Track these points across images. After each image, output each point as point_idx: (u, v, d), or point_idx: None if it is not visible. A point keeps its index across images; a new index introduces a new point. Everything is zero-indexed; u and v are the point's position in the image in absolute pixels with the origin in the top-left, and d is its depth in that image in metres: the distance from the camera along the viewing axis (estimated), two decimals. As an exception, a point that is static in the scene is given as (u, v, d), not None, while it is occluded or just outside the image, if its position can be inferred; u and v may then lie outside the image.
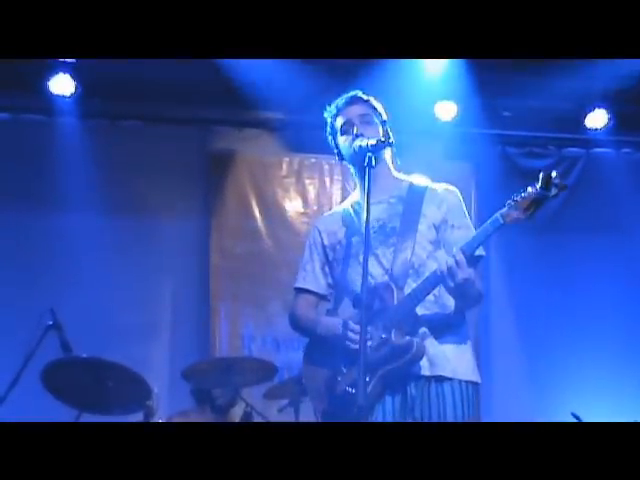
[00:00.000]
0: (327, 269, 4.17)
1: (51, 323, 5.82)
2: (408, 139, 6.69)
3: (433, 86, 7.13)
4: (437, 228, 4.04)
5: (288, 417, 5.87)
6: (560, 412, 6.58)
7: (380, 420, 3.84)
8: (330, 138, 4.24)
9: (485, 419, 7.42)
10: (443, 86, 7.14)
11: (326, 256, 4.17)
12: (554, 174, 3.66)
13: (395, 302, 3.82)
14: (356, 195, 4.22)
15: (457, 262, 3.68)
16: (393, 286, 3.86)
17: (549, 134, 7.94)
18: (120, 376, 5.74)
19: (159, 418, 5.97)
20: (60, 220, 7.19)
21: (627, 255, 7.75)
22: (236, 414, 6.31)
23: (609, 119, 7.58)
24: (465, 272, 3.69)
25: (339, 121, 4.14)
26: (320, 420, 3.95)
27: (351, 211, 4.17)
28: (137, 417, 5.90)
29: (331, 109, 4.20)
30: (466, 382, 3.92)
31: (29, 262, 7.12)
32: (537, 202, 3.68)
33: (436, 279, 3.78)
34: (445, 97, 7.39)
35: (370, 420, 3.82)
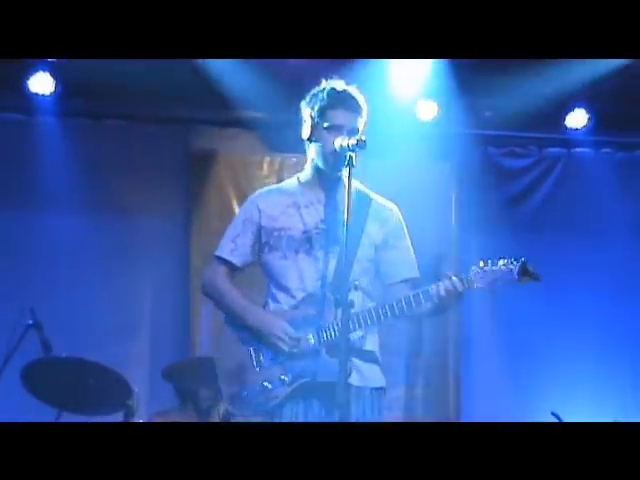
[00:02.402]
0: (257, 248, 4.16)
1: (31, 322, 5.85)
2: (389, 139, 6.73)
3: (414, 85, 7.12)
4: (377, 248, 4.12)
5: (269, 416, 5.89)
6: (540, 412, 6.64)
7: (302, 419, 3.95)
8: (308, 114, 4.14)
9: (467, 419, 7.48)
10: (424, 85, 7.12)
11: (260, 236, 4.15)
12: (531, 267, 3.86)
13: (334, 316, 3.86)
14: (303, 177, 4.22)
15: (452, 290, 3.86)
16: (332, 299, 3.89)
17: (530, 134, 7.95)
18: (100, 375, 5.78)
19: (140, 417, 6.00)
20: (39, 219, 7.18)
21: (607, 255, 7.77)
22: (217, 413, 6.32)
23: (589, 119, 7.59)
24: (449, 301, 3.89)
25: (328, 117, 4.05)
26: (226, 403, 4.08)
27: (299, 200, 4.16)
28: (117, 416, 5.91)
29: (328, 96, 4.09)
30: (378, 388, 4.08)
31: (9, 261, 7.08)
32: (504, 282, 3.86)
33: (409, 305, 3.92)
34: (426, 96, 7.34)
35: (289, 418, 3.96)
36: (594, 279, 7.76)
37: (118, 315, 7.21)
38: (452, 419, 7.48)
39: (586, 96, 7.37)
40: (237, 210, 7.38)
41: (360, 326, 3.93)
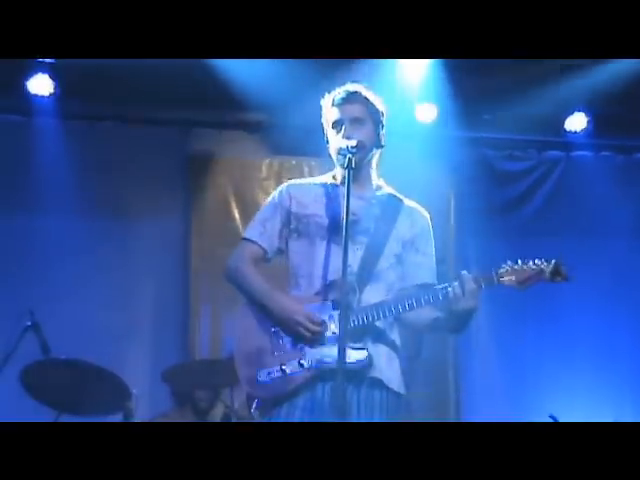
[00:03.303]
0: (285, 234, 4.13)
1: (30, 324, 5.85)
2: (388, 140, 6.74)
3: (414, 88, 7.15)
4: (404, 245, 4.09)
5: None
6: (539, 412, 6.65)
7: (317, 406, 3.87)
8: (323, 125, 4.18)
9: (466, 419, 7.49)
10: (423, 88, 7.15)
11: (289, 222, 4.12)
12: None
13: (356, 303, 3.84)
14: (336, 176, 4.19)
15: (465, 291, 3.77)
16: (356, 287, 3.87)
17: (529, 137, 7.99)
18: (99, 377, 5.78)
19: (138, 419, 6.00)
20: (39, 221, 7.18)
21: (606, 257, 7.80)
22: (216, 415, 6.34)
23: (588, 122, 7.65)
24: (469, 302, 3.79)
25: (332, 115, 4.09)
26: (243, 385, 3.96)
27: (331, 192, 4.15)
28: (116, 418, 5.93)
29: (328, 100, 4.15)
30: (394, 392, 3.99)
31: (7, 263, 7.10)
32: (536, 280, 3.81)
33: (428, 300, 3.85)
34: (425, 99, 7.39)
35: (304, 403, 3.88)
36: (593, 281, 7.69)
37: (117, 317, 7.19)
38: (452, 420, 7.50)
39: (585, 99, 7.39)
40: (236, 212, 7.51)
41: (378, 318, 3.90)
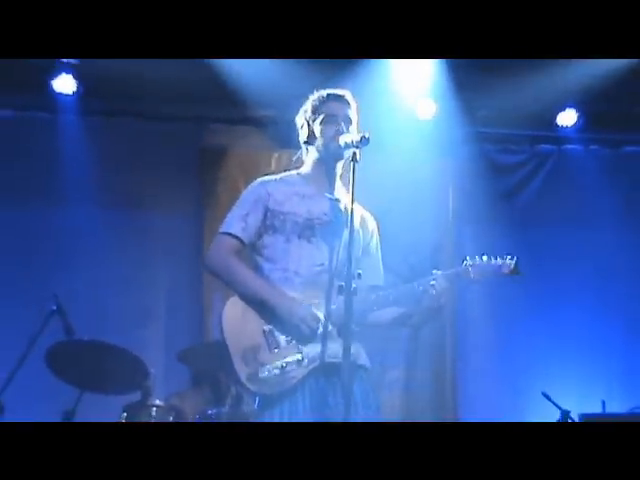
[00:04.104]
0: (261, 230, 4.20)
1: (55, 308, 6.03)
2: (390, 136, 6.94)
3: (414, 86, 7.29)
4: (362, 250, 4.29)
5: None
6: (532, 396, 6.86)
7: (317, 400, 4.00)
8: (303, 119, 4.35)
9: (463, 400, 7.68)
10: (424, 85, 7.29)
11: (265, 218, 4.20)
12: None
13: (342, 302, 3.76)
14: (304, 172, 4.36)
15: (438, 290, 4.03)
16: (337, 285, 3.88)
17: (523, 132, 8.12)
18: (119, 357, 5.98)
19: (156, 397, 6.17)
20: (62, 213, 7.30)
21: (595, 249, 7.92)
22: (228, 397, 6.41)
23: (578, 117, 7.81)
24: (443, 299, 4.06)
25: (325, 110, 4.26)
26: (244, 380, 3.98)
27: (301, 190, 4.28)
28: (135, 396, 6.13)
29: (319, 96, 4.32)
30: (370, 370, 4.23)
31: (34, 251, 7.25)
32: (494, 276, 4.10)
33: (412, 296, 4.08)
34: (426, 96, 7.51)
35: (304, 398, 4.00)
36: (584, 273, 7.92)
37: (136, 302, 7.37)
38: (449, 402, 7.68)
39: (576, 96, 7.54)
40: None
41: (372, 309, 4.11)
